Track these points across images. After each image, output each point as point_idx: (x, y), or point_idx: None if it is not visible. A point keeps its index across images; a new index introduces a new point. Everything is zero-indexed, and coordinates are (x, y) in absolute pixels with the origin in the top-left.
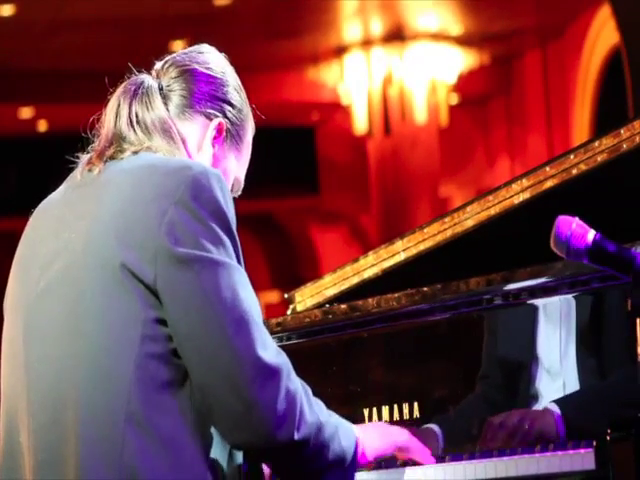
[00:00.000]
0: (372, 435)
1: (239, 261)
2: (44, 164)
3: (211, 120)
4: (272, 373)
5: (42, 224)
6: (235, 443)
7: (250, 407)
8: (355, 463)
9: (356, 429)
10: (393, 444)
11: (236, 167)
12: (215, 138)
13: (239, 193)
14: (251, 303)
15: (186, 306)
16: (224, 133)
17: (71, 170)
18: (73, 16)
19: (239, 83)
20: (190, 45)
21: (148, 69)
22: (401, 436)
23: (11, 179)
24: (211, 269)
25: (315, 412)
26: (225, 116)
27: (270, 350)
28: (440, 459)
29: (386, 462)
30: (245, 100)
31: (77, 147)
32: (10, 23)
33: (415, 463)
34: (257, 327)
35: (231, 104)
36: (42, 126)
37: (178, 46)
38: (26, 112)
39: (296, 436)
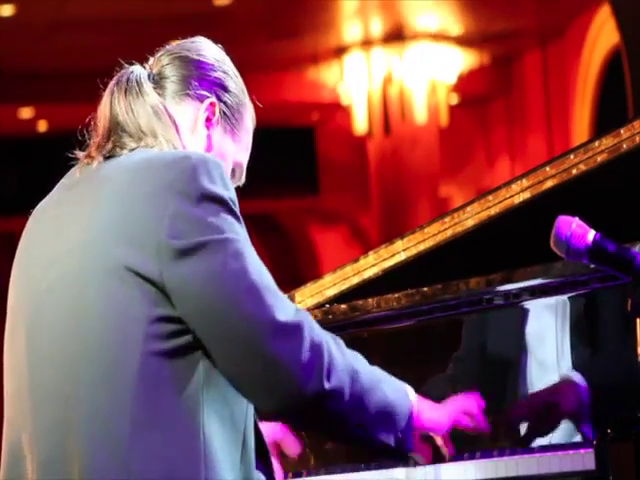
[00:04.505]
0: (427, 403)
1: (245, 234)
2: (44, 164)
3: (202, 102)
4: (291, 330)
5: (41, 225)
6: (273, 409)
7: (273, 366)
8: (411, 423)
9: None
10: (450, 416)
11: (234, 151)
12: (208, 120)
13: (243, 180)
14: (261, 271)
15: (198, 293)
16: (217, 114)
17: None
18: (73, 16)
19: (235, 71)
20: None
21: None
22: (456, 408)
23: (11, 179)
24: (216, 249)
25: (348, 360)
26: (219, 99)
27: (287, 310)
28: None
29: (387, 462)
30: (242, 88)
31: (77, 147)
32: (10, 23)
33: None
34: (269, 292)
35: (225, 88)
36: (42, 126)
37: None
38: (26, 112)
39: (327, 385)
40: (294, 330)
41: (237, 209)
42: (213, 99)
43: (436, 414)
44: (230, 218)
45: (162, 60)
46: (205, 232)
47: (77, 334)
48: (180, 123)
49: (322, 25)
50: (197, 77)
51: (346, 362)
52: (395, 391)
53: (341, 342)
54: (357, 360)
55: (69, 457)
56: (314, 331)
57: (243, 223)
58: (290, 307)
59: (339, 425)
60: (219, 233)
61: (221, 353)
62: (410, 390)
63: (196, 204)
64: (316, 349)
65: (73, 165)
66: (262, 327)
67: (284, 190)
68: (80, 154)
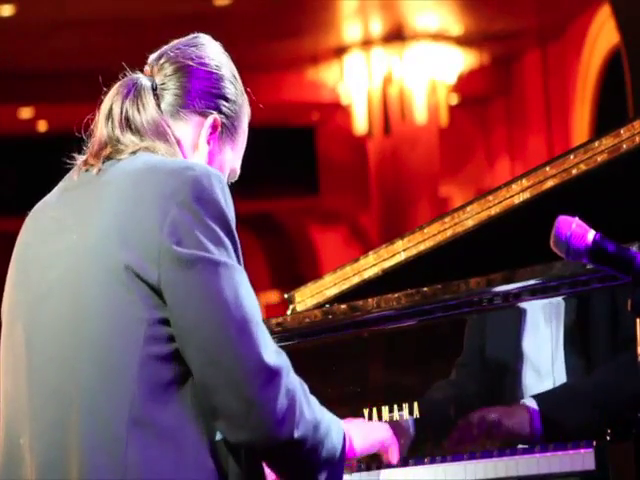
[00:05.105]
0: (357, 431)
1: (239, 262)
2: (44, 164)
3: (206, 118)
4: (273, 374)
5: (40, 226)
6: (236, 441)
7: (251, 407)
8: (343, 459)
9: (343, 424)
10: (376, 441)
11: (232, 158)
12: (210, 134)
13: (235, 179)
14: (252, 303)
15: (189, 306)
16: (219, 128)
17: (70, 170)
18: (73, 16)
19: (234, 73)
20: None
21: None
22: (383, 433)
23: (11, 179)
24: (213, 269)
25: (313, 410)
26: (220, 112)
27: (271, 350)
28: (432, 459)
29: (381, 462)
30: (240, 90)
31: (76, 147)
32: (10, 23)
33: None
34: (258, 327)
35: (226, 98)
36: (42, 126)
37: None
38: (26, 112)
39: (295, 434)
40: (275, 374)
41: (235, 229)
42: (216, 115)
43: (364, 442)
44: (227, 241)
45: (164, 68)
46: (202, 247)
47: (78, 335)
48: (183, 140)
49: (322, 25)
50: (200, 90)
51: (311, 413)
52: (337, 435)
53: (307, 388)
54: (317, 408)
55: (68, 458)
56: (289, 377)
57: (239, 245)
58: (273, 346)
59: (294, 467)
60: (215, 254)
61: (200, 375)
62: (344, 425)
63: (195, 216)
64: (291, 399)
65: (73, 165)
66: (248, 365)
67: (284, 190)
68: (78, 157)
